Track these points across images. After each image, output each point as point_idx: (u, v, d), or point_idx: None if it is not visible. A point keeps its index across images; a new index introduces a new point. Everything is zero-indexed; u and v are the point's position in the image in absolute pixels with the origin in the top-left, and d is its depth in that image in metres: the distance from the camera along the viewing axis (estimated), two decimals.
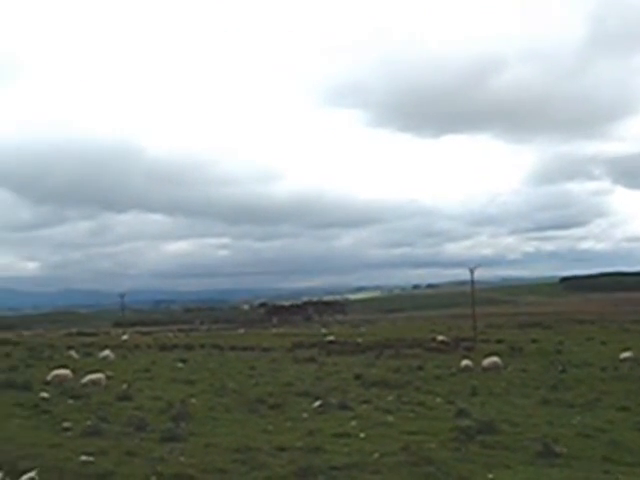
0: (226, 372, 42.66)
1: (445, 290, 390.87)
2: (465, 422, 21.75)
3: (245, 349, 71.74)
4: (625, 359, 47.97)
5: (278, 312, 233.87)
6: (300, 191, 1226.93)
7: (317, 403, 27.03)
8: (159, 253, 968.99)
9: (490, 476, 15.16)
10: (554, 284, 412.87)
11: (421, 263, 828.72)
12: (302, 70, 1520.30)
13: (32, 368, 42.47)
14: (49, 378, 33.30)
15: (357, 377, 38.38)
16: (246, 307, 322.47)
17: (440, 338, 76.34)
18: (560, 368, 43.46)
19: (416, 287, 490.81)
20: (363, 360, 54.69)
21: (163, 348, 73.68)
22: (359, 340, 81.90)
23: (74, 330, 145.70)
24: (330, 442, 18.87)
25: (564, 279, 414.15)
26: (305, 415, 24.82)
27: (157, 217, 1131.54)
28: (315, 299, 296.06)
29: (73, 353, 58.97)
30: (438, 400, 29.32)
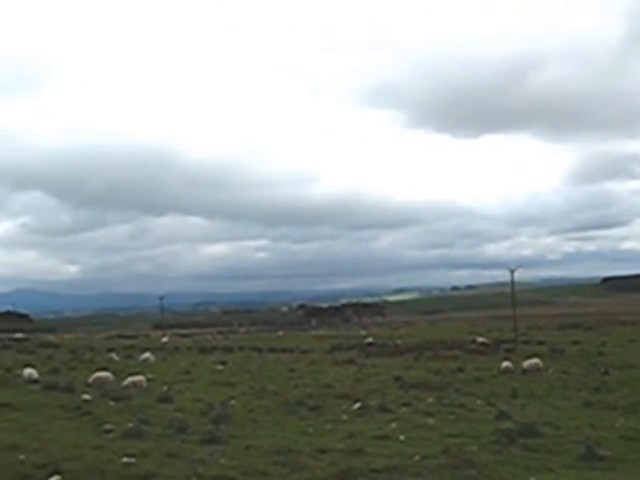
0: (265, 374, 42.73)
1: (484, 291, 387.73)
2: (506, 424, 21.57)
3: (284, 351, 71.78)
4: None
5: (317, 314, 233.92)
6: (338, 193, 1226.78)
7: (357, 405, 26.99)
8: (198, 256, 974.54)
9: (532, 479, 15.02)
10: (595, 285, 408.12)
11: (460, 264, 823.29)
12: (339, 71, 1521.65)
13: (74, 370, 42.93)
14: (91, 380, 33.63)
15: (396, 379, 38.20)
16: (285, 309, 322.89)
17: (480, 340, 75.79)
18: (602, 370, 42.83)
19: (455, 288, 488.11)
20: (402, 362, 54.45)
21: (202, 350, 73.95)
22: (398, 342, 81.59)
23: (114, 333, 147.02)
24: (370, 444, 18.82)
25: (605, 279, 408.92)
26: (345, 417, 24.79)
27: (195, 220, 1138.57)
28: (354, 301, 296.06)
29: (114, 355, 59.49)
30: (479, 402, 29.09)
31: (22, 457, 15.59)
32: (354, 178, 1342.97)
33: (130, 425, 20.87)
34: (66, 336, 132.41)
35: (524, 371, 42.21)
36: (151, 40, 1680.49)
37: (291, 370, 46.03)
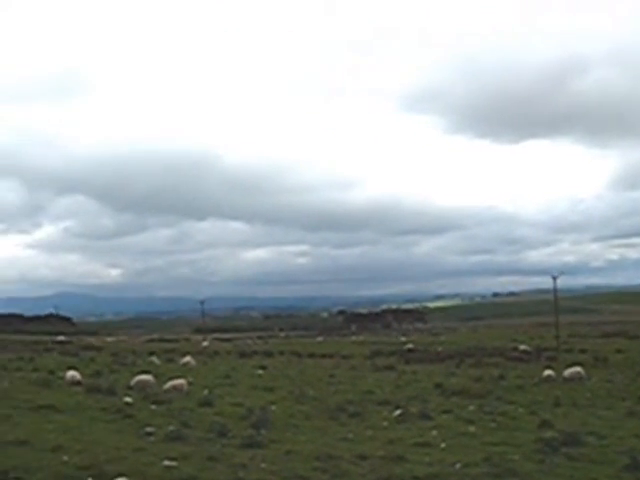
0: (305, 379, 42.74)
1: (526, 298, 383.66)
2: (549, 433, 21.33)
3: (324, 356, 71.78)
4: None
5: (357, 320, 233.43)
6: (378, 198, 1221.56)
7: (397, 412, 26.88)
8: (238, 260, 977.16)
9: None
10: (639, 292, 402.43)
11: (501, 270, 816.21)
12: (379, 76, 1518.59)
13: (116, 373, 43.31)
14: (132, 383, 33.90)
15: (437, 386, 37.98)
16: (324, 314, 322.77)
17: (522, 347, 75.15)
18: None
19: (496, 295, 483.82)
20: (443, 369, 54.19)
21: (243, 355, 74.17)
22: (439, 348, 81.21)
23: (155, 336, 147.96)
24: (411, 452, 18.72)
25: None
26: (385, 424, 24.71)
27: (236, 225, 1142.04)
28: (394, 307, 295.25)
29: (155, 359, 59.95)
30: (520, 410, 28.80)
31: (65, 458, 15.75)
32: (395, 183, 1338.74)
33: (171, 428, 20.99)
34: (108, 339, 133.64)
35: (565, 379, 41.77)
36: (190, 47, 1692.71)
37: (331, 376, 46.00)
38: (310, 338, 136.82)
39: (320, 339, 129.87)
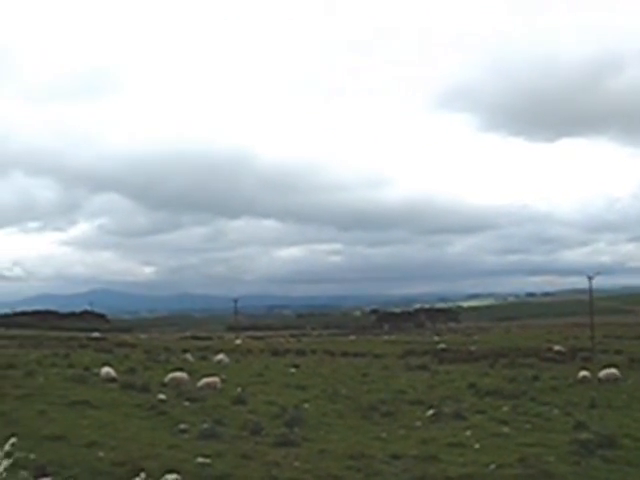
0: (338, 378, 42.72)
1: (561, 298, 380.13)
2: (584, 435, 21.07)
3: (356, 355, 71.62)
4: None
5: (389, 319, 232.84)
6: (411, 196, 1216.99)
7: (430, 412, 26.78)
8: (271, 258, 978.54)
9: None
10: None
11: (536, 270, 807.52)
12: (412, 74, 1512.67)
13: (150, 370, 43.58)
14: (166, 380, 34.07)
15: (471, 386, 37.78)
16: (357, 313, 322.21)
17: (556, 348, 74.45)
18: None
19: (531, 295, 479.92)
20: (476, 369, 53.89)
21: (275, 353, 74.22)
22: (472, 348, 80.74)
23: (189, 334, 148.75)
24: (445, 452, 18.65)
25: None
26: (418, 423, 24.64)
27: (269, 223, 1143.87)
28: (427, 306, 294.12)
29: (189, 356, 60.19)
30: (555, 412, 28.55)
31: (101, 454, 15.88)
32: (428, 182, 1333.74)
33: (205, 426, 21.07)
34: (142, 336, 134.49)
35: (601, 381, 41.34)
36: (225, 44, 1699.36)
37: (364, 375, 45.95)
38: (343, 337, 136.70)
39: (353, 338, 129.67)
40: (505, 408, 29.03)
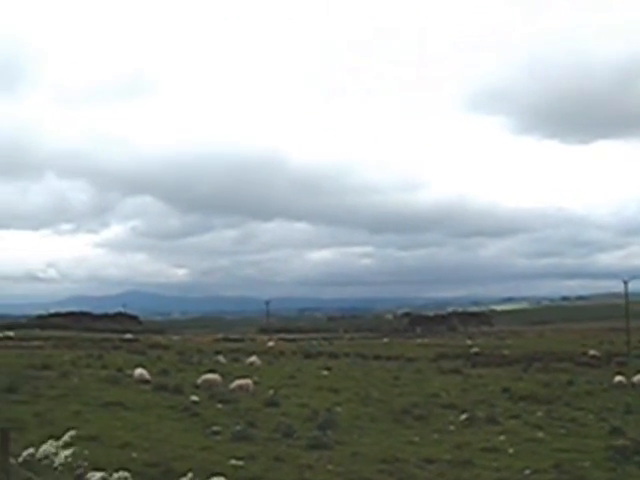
0: (370, 381, 42.56)
1: (596, 302, 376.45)
2: (620, 441, 20.82)
3: (389, 358, 71.39)
4: None
5: (422, 322, 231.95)
6: (444, 199, 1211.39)
7: (464, 416, 26.58)
8: (303, 261, 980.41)
9: None
10: None
11: (570, 274, 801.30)
12: (445, 76, 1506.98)
13: (182, 372, 43.71)
14: (199, 382, 34.15)
15: (504, 390, 37.46)
16: (389, 316, 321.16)
17: (591, 352, 73.77)
18: None
19: (565, 299, 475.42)
20: (510, 373, 53.53)
21: (307, 356, 74.17)
22: (505, 352, 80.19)
23: (221, 336, 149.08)
24: (478, 456, 18.52)
25: None
26: (452, 428, 24.49)
27: (301, 225, 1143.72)
28: (460, 309, 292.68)
29: (221, 358, 60.30)
30: (590, 417, 28.27)
31: (134, 455, 15.93)
32: (461, 185, 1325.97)
33: (237, 428, 21.10)
34: (174, 338, 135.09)
35: (636, 386, 40.91)
36: (257, 49, 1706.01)
37: (396, 378, 45.76)
38: (375, 340, 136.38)
39: (385, 341, 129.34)
40: (539, 413, 28.81)
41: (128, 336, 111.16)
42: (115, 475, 6.62)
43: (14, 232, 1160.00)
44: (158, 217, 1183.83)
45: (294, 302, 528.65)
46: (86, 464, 7.63)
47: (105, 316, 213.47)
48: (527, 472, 16.40)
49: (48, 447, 7.34)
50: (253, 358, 56.89)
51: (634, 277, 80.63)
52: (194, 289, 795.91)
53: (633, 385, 40.90)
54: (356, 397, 32.98)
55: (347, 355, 75.52)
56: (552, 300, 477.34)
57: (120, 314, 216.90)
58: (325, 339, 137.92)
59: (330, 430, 21.97)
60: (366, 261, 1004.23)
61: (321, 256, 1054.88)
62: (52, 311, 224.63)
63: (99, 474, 6.67)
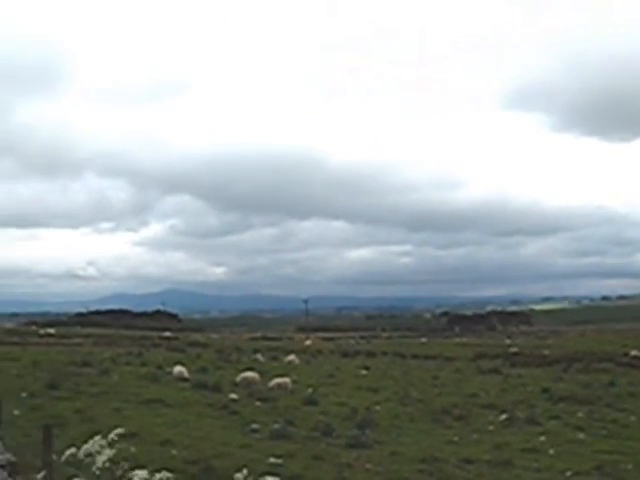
0: (409, 381, 42.43)
1: (637, 302, 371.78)
2: None
3: (427, 358, 71.03)
4: None
5: (460, 321, 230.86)
6: (483, 198, 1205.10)
7: (503, 416, 26.41)
8: (341, 260, 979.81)
9: None
10: None
11: (611, 273, 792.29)
12: (483, 73, 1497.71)
13: (221, 370, 43.91)
14: (238, 380, 34.28)
15: (544, 391, 37.07)
16: (428, 315, 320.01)
17: (633, 353, 72.75)
18: None
19: (606, 298, 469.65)
20: (550, 373, 52.98)
21: (346, 354, 74.07)
22: (545, 352, 79.44)
23: (259, 334, 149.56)
24: (518, 457, 18.38)
25: None
26: (491, 428, 24.33)
27: (339, 224, 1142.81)
28: (499, 309, 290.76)
29: (259, 356, 60.49)
30: (632, 418, 27.84)
31: (174, 452, 16.04)
32: (500, 183, 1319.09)
33: (276, 426, 21.16)
34: (213, 336, 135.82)
35: None
36: (295, 46, 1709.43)
37: (435, 377, 45.55)
38: (413, 339, 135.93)
39: (423, 340, 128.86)
40: (580, 414, 28.47)
41: (167, 334, 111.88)
42: (157, 475, 6.61)
43: (54, 230, 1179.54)
44: (196, 216, 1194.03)
45: (332, 301, 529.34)
46: (127, 464, 7.65)
47: (144, 314, 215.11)
48: (568, 474, 16.25)
49: (92, 445, 7.36)
50: (291, 357, 56.99)
51: None
52: (232, 287, 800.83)
53: None
54: (395, 396, 32.91)
55: (385, 354, 75.27)
56: (592, 300, 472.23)
57: (159, 312, 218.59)
58: (363, 338, 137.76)
59: (369, 429, 21.96)
60: (404, 260, 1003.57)
61: (359, 255, 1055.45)
62: (92, 309, 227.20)
63: (141, 473, 6.66)
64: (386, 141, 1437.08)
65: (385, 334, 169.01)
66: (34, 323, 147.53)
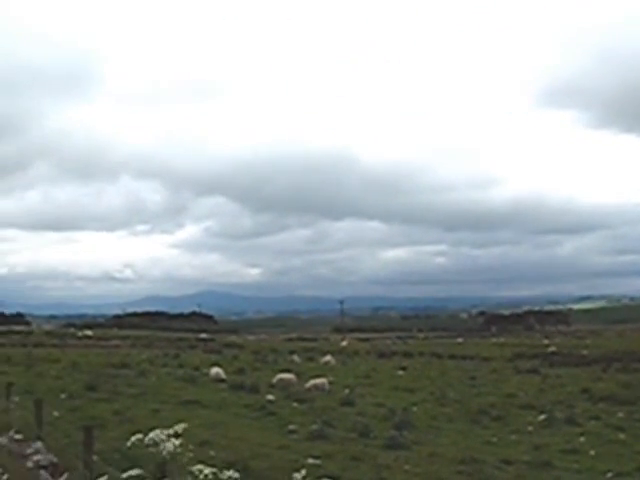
0: (446, 381, 42.22)
1: None
2: None
3: (464, 358, 70.69)
4: None
5: (497, 321, 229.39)
6: (519, 196, 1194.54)
7: (542, 416, 26.17)
8: (376, 260, 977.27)
9: None
10: None
11: None
12: (518, 69, 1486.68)
13: (258, 371, 44.07)
14: (274, 381, 34.39)
15: (584, 391, 36.66)
16: (464, 315, 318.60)
17: None
18: None
19: None
20: (589, 373, 52.42)
21: (382, 355, 73.99)
22: (584, 352, 78.67)
23: (295, 335, 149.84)
24: (558, 458, 18.21)
25: None
26: (530, 428, 24.11)
27: (374, 224, 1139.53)
28: (536, 308, 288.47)
29: (295, 357, 60.59)
30: None
31: (212, 453, 16.06)
32: (536, 181, 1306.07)
33: (314, 427, 21.15)
34: (249, 337, 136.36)
35: None
36: (327, 46, 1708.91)
37: (472, 378, 45.27)
38: (449, 339, 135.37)
39: (460, 340, 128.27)
40: (620, 414, 28.11)
41: (203, 336, 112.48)
42: (226, 473, 6.67)
43: (91, 233, 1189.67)
44: (231, 217, 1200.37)
45: (367, 301, 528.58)
46: (191, 455, 7.79)
47: (180, 316, 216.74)
48: (610, 475, 16.04)
49: (157, 435, 7.49)
50: (327, 357, 57.04)
51: None
52: (268, 289, 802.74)
53: None
54: (432, 397, 32.78)
55: (422, 354, 75.09)
56: (632, 299, 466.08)
57: (195, 314, 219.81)
58: (399, 338, 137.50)
59: (407, 430, 21.87)
60: (440, 260, 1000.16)
61: (394, 255, 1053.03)
62: (129, 311, 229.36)
63: (208, 469, 6.74)
64: (421, 140, 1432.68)
65: (421, 334, 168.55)
66: (72, 325, 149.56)
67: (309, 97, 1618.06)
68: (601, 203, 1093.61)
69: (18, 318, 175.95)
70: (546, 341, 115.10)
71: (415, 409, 27.76)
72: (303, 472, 6.66)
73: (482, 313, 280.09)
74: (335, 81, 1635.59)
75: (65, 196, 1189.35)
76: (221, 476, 6.69)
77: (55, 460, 12.00)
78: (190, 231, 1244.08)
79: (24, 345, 64.22)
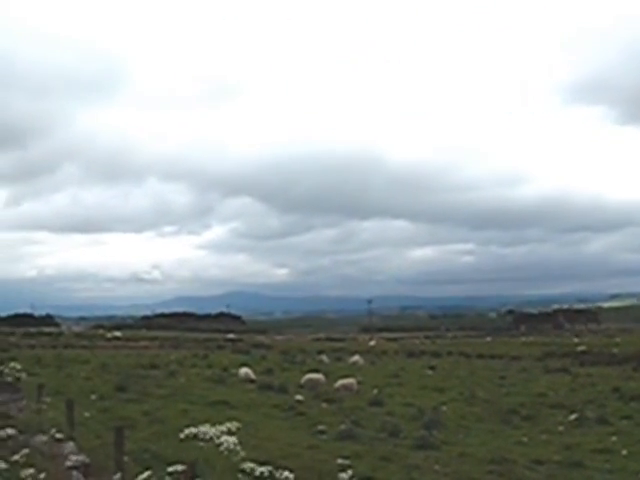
0: (475, 380, 42.02)
1: None
2: None
3: (493, 357, 70.34)
4: None
5: (526, 320, 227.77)
6: (547, 194, 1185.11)
7: (573, 416, 25.97)
8: (403, 259, 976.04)
9: None
10: None
11: None
12: (546, 67, 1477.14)
13: (286, 371, 44.15)
14: (303, 381, 34.42)
15: (615, 390, 36.33)
16: (492, 314, 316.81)
17: None
18: None
19: None
20: (620, 372, 51.97)
21: (410, 354, 73.81)
22: (614, 350, 78.00)
23: (323, 335, 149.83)
24: (589, 458, 18.06)
25: None
26: (561, 428, 23.93)
27: (400, 223, 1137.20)
28: (565, 307, 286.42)
29: (324, 357, 60.60)
30: None
31: (243, 454, 16.10)
32: (564, 178, 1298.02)
33: (343, 427, 21.17)
34: (277, 337, 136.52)
35: None
36: (353, 46, 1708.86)
37: (501, 377, 45.04)
38: (478, 338, 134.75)
39: (488, 339, 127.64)
40: None
41: (232, 336, 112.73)
42: (283, 473, 6.79)
43: (118, 235, 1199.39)
44: (258, 218, 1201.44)
45: (394, 300, 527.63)
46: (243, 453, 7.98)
47: (209, 316, 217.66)
48: None
49: (210, 429, 7.73)
50: (356, 357, 56.99)
51: None
52: (295, 289, 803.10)
53: None
54: (461, 397, 32.65)
55: (450, 354, 74.79)
56: None
57: (223, 314, 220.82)
58: (427, 338, 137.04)
59: (436, 430, 21.82)
60: (467, 258, 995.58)
61: (422, 254, 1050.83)
62: (157, 312, 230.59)
63: (262, 468, 6.88)
64: (447, 139, 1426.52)
65: (450, 334, 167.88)
66: (101, 327, 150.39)
67: (334, 96, 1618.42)
68: (629, 200, 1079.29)
69: (48, 320, 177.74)
70: (576, 340, 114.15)
71: (444, 409, 27.66)
72: (350, 472, 6.68)
73: (510, 312, 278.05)
74: (361, 80, 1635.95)
75: (93, 198, 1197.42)
76: (277, 475, 6.77)
77: (87, 461, 12.06)
78: (217, 232, 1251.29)
79: (54, 347, 64.73)
